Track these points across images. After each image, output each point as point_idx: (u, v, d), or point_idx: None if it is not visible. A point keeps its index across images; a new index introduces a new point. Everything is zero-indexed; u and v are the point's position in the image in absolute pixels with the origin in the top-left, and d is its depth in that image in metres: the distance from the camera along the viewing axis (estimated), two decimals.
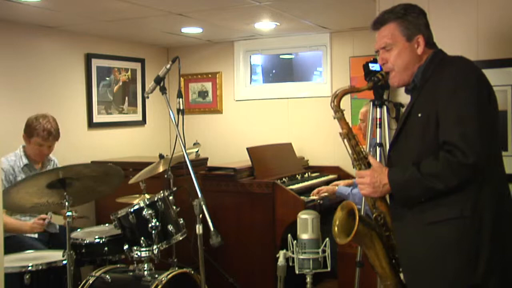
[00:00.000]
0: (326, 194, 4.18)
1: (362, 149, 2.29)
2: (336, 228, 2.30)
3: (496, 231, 1.99)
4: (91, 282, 3.13)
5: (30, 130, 3.66)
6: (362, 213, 3.35)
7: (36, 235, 3.74)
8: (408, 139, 2.14)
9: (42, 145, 3.68)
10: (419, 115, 2.08)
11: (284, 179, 4.56)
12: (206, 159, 5.19)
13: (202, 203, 2.60)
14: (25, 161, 3.73)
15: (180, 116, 2.77)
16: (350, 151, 2.30)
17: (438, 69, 2.11)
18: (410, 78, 2.20)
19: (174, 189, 3.45)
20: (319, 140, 5.39)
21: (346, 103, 5.21)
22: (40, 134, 3.63)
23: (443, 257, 2.02)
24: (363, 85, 2.41)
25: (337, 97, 2.36)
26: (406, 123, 2.15)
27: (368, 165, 2.25)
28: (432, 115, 2.02)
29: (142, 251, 3.20)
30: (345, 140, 2.33)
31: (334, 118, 2.35)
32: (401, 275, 2.28)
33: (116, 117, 5.46)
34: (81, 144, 4.99)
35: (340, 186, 4.16)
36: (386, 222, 2.26)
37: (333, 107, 2.36)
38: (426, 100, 2.08)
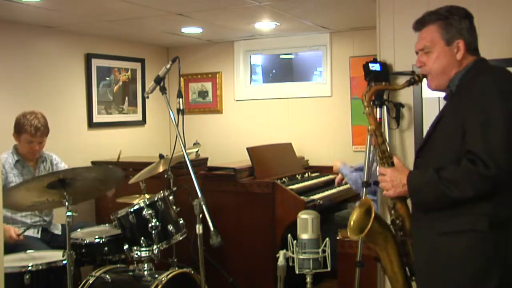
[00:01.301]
0: (346, 184, 4.14)
1: (387, 148, 2.26)
2: (352, 223, 2.27)
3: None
4: (91, 282, 3.13)
5: (18, 127, 3.64)
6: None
7: (38, 235, 3.75)
8: (435, 145, 2.10)
9: (32, 141, 3.65)
10: (447, 121, 2.05)
11: (284, 179, 4.56)
12: (206, 159, 5.19)
13: (202, 203, 2.60)
14: (16, 157, 3.72)
15: (180, 116, 2.77)
16: (375, 149, 2.27)
17: (475, 77, 2.04)
18: (447, 82, 2.14)
19: (174, 189, 3.45)
20: (319, 140, 5.40)
21: (346, 103, 5.23)
22: (28, 130, 3.60)
23: (454, 268, 1.98)
24: (397, 84, 2.40)
25: (369, 92, 2.30)
26: (436, 129, 2.11)
27: (392, 164, 2.21)
28: (460, 122, 1.97)
29: (142, 251, 3.20)
30: (372, 137, 2.29)
31: (363, 113, 2.30)
32: (414, 285, 2.25)
33: (116, 117, 5.46)
34: (81, 144, 4.99)
35: (345, 166, 4.11)
36: (404, 227, 2.22)
37: (364, 102, 2.29)
38: (457, 107, 2.03)
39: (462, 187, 1.91)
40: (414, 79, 2.22)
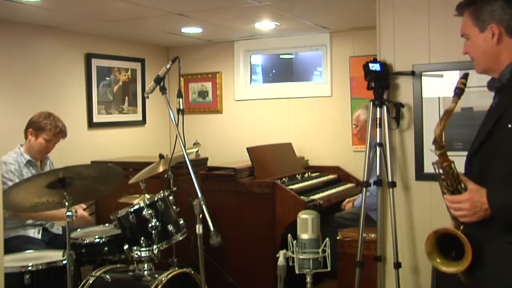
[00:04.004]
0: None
1: (459, 174, 2.00)
2: (437, 259, 2.03)
3: None
4: (91, 282, 3.13)
5: (40, 125, 3.73)
6: (362, 215, 3.36)
7: (39, 236, 3.76)
8: (496, 151, 1.89)
9: (50, 141, 3.76)
10: (510, 126, 1.84)
11: (284, 179, 4.55)
12: (206, 159, 5.19)
13: (202, 203, 2.60)
14: (26, 157, 3.77)
15: (180, 116, 2.77)
16: (445, 181, 2.00)
17: None
18: (495, 65, 1.97)
19: (174, 189, 3.45)
20: (319, 140, 5.40)
21: (346, 103, 5.23)
22: (52, 130, 3.72)
23: None
24: (451, 105, 2.02)
25: (440, 135, 1.98)
26: (493, 133, 1.90)
27: (462, 189, 1.96)
28: None
29: (142, 251, 3.19)
30: (441, 170, 2.01)
31: (437, 154, 2.01)
32: None
33: (116, 117, 5.46)
34: (81, 144, 4.99)
35: (357, 200, 4.20)
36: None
37: (437, 145, 2.00)
38: None
39: None
40: (461, 90, 2.01)
